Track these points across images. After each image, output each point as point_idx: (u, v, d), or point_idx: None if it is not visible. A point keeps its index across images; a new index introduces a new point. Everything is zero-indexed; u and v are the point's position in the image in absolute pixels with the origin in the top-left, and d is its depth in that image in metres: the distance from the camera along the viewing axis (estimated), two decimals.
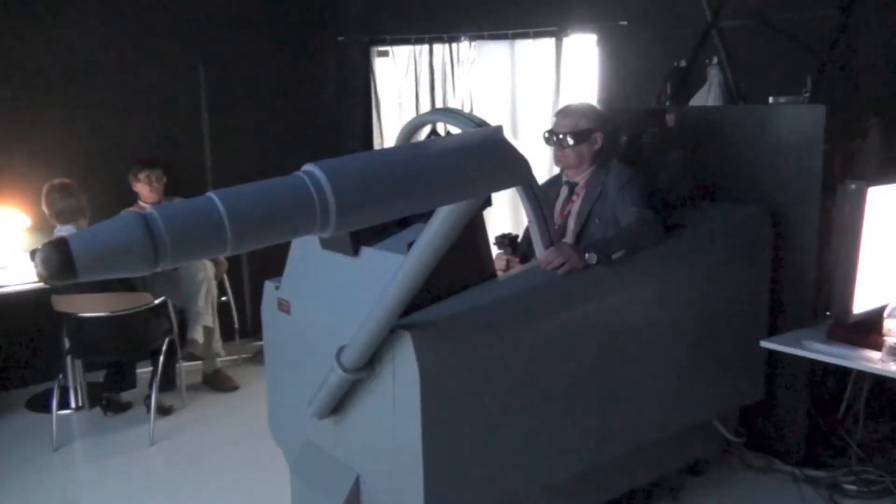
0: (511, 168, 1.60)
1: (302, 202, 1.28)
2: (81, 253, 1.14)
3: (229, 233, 1.21)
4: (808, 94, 2.91)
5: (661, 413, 2.61)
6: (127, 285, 3.50)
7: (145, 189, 4.16)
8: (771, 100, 3.08)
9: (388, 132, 4.95)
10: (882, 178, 2.36)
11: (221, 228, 1.21)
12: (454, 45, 4.73)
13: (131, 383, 3.95)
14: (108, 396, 3.85)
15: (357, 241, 2.22)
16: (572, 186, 2.81)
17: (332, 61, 4.98)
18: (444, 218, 1.76)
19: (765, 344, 2.47)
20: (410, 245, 1.92)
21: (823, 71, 2.97)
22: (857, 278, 2.29)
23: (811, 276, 2.87)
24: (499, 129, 1.61)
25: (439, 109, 3.93)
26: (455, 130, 2.31)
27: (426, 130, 3.59)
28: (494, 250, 2.66)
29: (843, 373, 2.78)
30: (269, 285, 2.62)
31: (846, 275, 2.29)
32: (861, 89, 3.14)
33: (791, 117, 2.93)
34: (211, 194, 1.26)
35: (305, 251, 2.43)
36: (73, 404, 3.92)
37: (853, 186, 2.28)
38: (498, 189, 1.74)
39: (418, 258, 1.87)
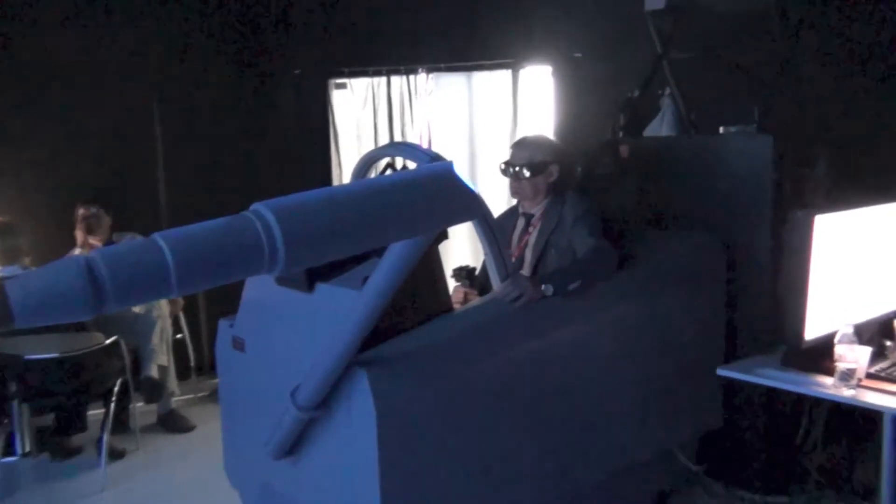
0: (462, 204, 1.62)
1: (249, 243, 1.28)
2: (19, 299, 1.12)
3: (174, 276, 1.20)
4: (755, 125, 3.00)
5: (621, 444, 2.63)
6: (77, 324, 3.44)
7: (81, 231, 4.02)
8: (721, 130, 3.17)
9: (346, 164, 4.96)
10: (829, 205, 2.43)
11: (166, 272, 1.20)
12: (412, 77, 4.78)
13: (82, 426, 3.85)
14: (58, 441, 3.75)
15: (312, 276, 2.21)
16: (529, 218, 2.84)
17: (290, 94, 4.99)
18: (397, 253, 1.77)
19: (721, 372, 2.51)
20: (365, 280, 1.92)
21: (770, 101, 3.06)
22: (807, 305, 2.35)
23: (765, 302, 2.93)
24: (449, 164, 1.64)
25: (394, 144, 3.96)
26: (410, 164, 2.33)
27: (385, 162, 3.61)
28: (452, 283, 2.68)
29: (800, 398, 2.83)
30: (223, 323, 2.59)
31: (797, 302, 2.35)
32: (808, 119, 3.24)
33: (740, 147, 3.01)
34: (156, 236, 1.25)
35: (260, 288, 2.42)
36: (19, 450, 3.79)
37: (800, 215, 2.34)
38: (449, 225, 1.76)
39: (373, 293, 1.87)
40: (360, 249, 1.56)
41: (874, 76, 3.16)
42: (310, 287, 2.21)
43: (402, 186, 1.58)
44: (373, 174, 2.80)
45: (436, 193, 1.59)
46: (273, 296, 2.35)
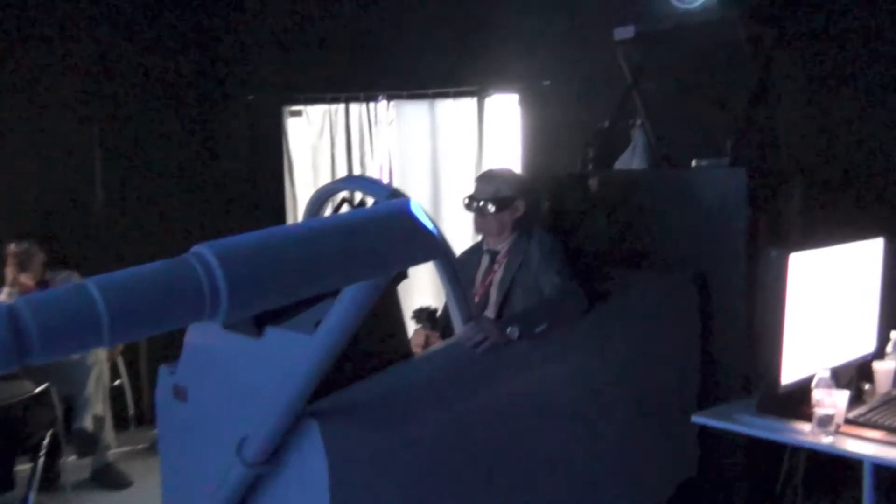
0: (420, 244, 1.63)
1: (190, 288, 1.27)
2: None
3: (106, 326, 1.18)
4: (728, 158, 3.08)
5: (591, 495, 2.63)
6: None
7: (12, 268, 3.94)
8: (694, 163, 3.24)
9: (301, 197, 4.96)
10: (805, 242, 2.49)
11: (97, 321, 1.19)
12: (372, 105, 4.82)
13: (8, 484, 3.73)
14: None
15: (260, 320, 2.20)
16: (493, 255, 2.87)
17: (242, 122, 4.99)
18: (352, 295, 1.77)
19: (696, 419, 2.53)
20: (318, 324, 1.91)
21: (743, 133, 3.15)
22: (783, 347, 2.39)
23: (741, 344, 2.97)
24: (406, 202, 1.65)
25: (350, 178, 3.97)
26: (369, 199, 2.34)
27: (341, 197, 3.62)
28: (412, 325, 2.68)
29: (779, 444, 2.86)
30: (163, 370, 2.55)
31: (773, 345, 2.39)
32: (782, 152, 3.34)
33: (713, 181, 3.08)
34: (87, 282, 1.24)
35: (204, 332, 2.39)
36: None
37: (775, 253, 2.39)
38: (408, 267, 1.77)
39: (326, 338, 1.86)
40: (310, 294, 1.56)
41: (849, 109, 3.27)
42: (258, 331, 2.19)
43: (356, 226, 1.59)
44: (328, 209, 2.80)
45: (393, 233, 1.60)
46: (218, 341, 2.33)
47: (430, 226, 1.65)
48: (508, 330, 2.42)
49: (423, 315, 2.76)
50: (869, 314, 2.64)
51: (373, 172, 4.85)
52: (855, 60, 3.25)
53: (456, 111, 4.67)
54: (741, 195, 2.96)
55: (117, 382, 4.33)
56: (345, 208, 2.55)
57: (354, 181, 2.78)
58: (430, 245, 1.65)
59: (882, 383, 2.53)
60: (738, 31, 3.19)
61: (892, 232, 2.65)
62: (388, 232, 1.58)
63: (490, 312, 2.76)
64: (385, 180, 4.84)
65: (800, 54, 3.33)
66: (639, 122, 3.60)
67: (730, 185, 3.00)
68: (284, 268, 1.39)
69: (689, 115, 3.59)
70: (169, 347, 2.61)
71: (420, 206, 1.84)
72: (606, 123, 3.68)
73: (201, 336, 2.42)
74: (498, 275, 2.82)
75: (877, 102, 3.21)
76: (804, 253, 2.43)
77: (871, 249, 2.62)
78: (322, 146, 4.96)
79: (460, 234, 4.35)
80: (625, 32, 3.38)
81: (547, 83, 4.31)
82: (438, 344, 2.59)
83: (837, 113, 3.27)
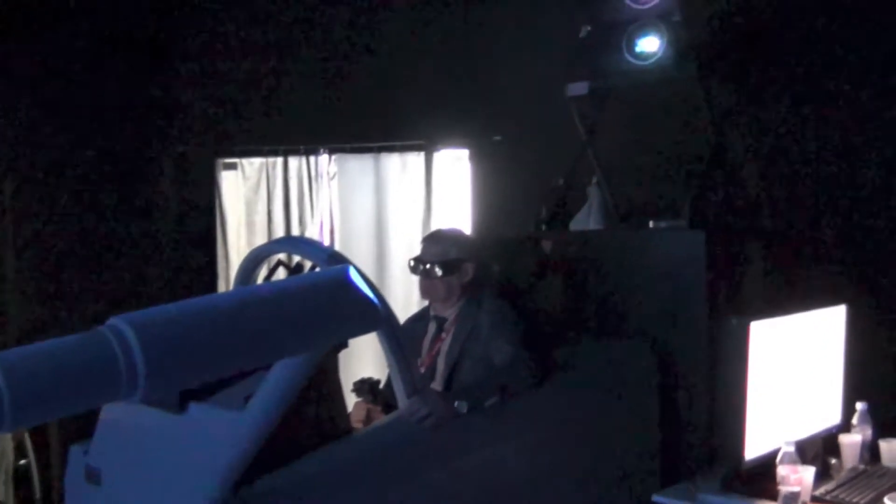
0: (359, 314, 1.64)
1: (104, 366, 1.25)
2: None
3: (8, 409, 1.16)
4: (686, 220, 3.16)
5: None
6: None
7: None
8: (651, 224, 3.33)
9: (234, 258, 4.91)
10: (767, 309, 2.56)
11: None
12: (312, 159, 4.84)
13: None
14: None
15: (184, 394, 2.16)
16: (441, 322, 2.88)
17: (170, 175, 4.96)
18: (285, 368, 1.76)
19: (657, 498, 2.54)
20: (248, 399, 1.89)
21: (701, 194, 3.24)
22: (746, 421, 2.43)
23: (703, 417, 3.02)
24: (345, 270, 1.66)
25: (286, 239, 3.96)
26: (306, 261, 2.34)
27: (276, 259, 3.60)
28: (352, 399, 2.66)
29: None
30: (75, 450, 2.47)
31: (735, 418, 2.43)
32: (741, 212, 3.44)
33: (671, 243, 3.16)
34: None
35: (120, 408, 2.33)
36: None
37: (735, 321, 2.45)
38: (346, 338, 1.77)
39: (257, 415, 1.84)
40: (240, 368, 1.55)
41: (811, 169, 3.40)
42: (181, 407, 2.15)
43: (290, 295, 1.59)
44: (263, 272, 2.79)
45: (330, 303, 1.61)
46: (136, 417, 2.27)
47: (370, 294, 1.65)
48: (456, 404, 2.42)
49: (365, 387, 2.74)
50: (833, 385, 2.71)
51: (313, 231, 4.84)
52: (816, 119, 3.39)
53: (402, 166, 4.71)
54: (699, 259, 3.03)
55: (23, 462, 4.17)
56: (280, 273, 2.54)
57: (290, 243, 2.78)
58: (370, 315, 1.66)
59: (849, 457, 2.58)
60: (694, 88, 3.32)
61: (855, 299, 2.74)
62: (324, 302, 1.59)
63: (437, 384, 2.76)
64: (326, 239, 4.84)
65: (758, 112, 3.46)
66: (595, 180, 3.69)
67: (688, 249, 3.08)
68: (210, 342, 1.38)
69: (646, 173, 3.68)
70: (82, 424, 2.53)
71: (359, 273, 1.86)
72: (561, 181, 3.76)
73: (118, 412, 2.36)
74: (445, 344, 2.82)
75: (840, 163, 3.34)
76: (766, 321, 2.49)
77: (834, 317, 2.70)
78: (258, 202, 4.94)
79: (408, 298, 4.36)
80: (578, 89, 3.49)
81: (498, 139, 4.39)
82: (381, 419, 2.57)
83: (799, 174, 3.40)
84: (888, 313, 3.17)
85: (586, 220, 3.67)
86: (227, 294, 1.80)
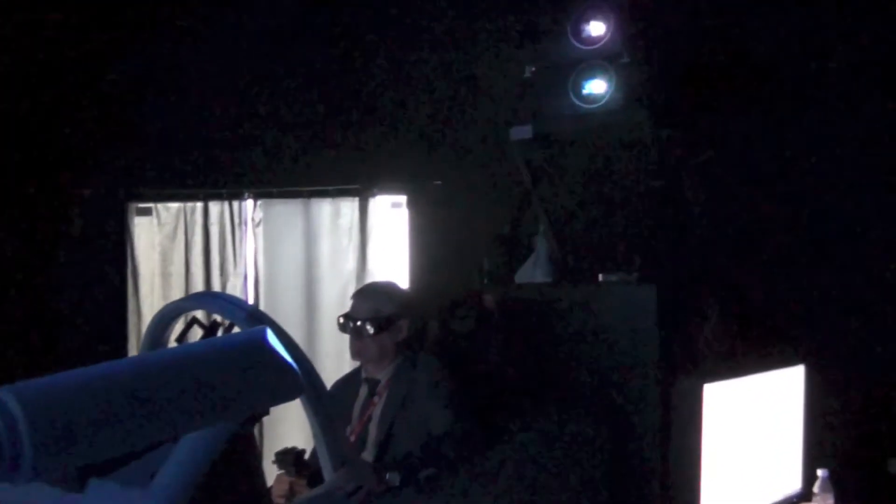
0: (278, 381, 1.61)
1: None
2: None
3: None
4: (636, 273, 3.22)
5: None
6: None
7: None
8: (601, 277, 3.37)
9: (147, 313, 4.83)
10: (722, 369, 2.61)
11: None
12: (236, 204, 4.81)
13: None
14: None
15: (83, 470, 2.09)
16: (373, 385, 2.86)
17: (76, 221, 4.87)
18: (196, 441, 1.72)
19: None
20: (154, 476, 1.84)
21: (652, 246, 3.31)
22: (701, 490, 2.45)
23: (655, 484, 3.03)
24: (262, 331, 1.64)
25: (200, 294, 3.90)
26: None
27: (191, 317, 3.54)
28: (274, 471, 2.61)
29: None
30: None
31: (689, 487, 2.45)
32: (695, 264, 3.51)
33: (622, 298, 3.21)
34: None
35: (9, 486, 2.25)
36: None
37: (688, 383, 2.49)
38: (263, 407, 1.74)
39: (163, 493, 1.79)
40: (142, 443, 1.51)
41: (768, 221, 3.50)
42: (79, 485, 2.08)
43: (199, 361, 1.56)
44: (177, 329, 2.74)
45: (244, 369, 1.58)
46: (29, 495, 2.19)
47: (289, 359, 1.63)
48: (388, 476, 2.40)
49: (288, 458, 2.70)
50: (793, 450, 2.76)
51: (235, 283, 4.80)
52: (773, 167, 3.50)
53: (335, 213, 4.71)
54: (651, 315, 3.08)
55: None
56: (196, 334, 2.49)
57: (206, 299, 2.72)
58: (289, 382, 1.63)
59: None
60: (644, 133, 3.40)
61: (814, 359, 2.81)
62: (238, 368, 1.56)
63: (368, 454, 2.73)
64: (250, 292, 4.79)
65: (713, 159, 3.56)
66: (541, 229, 3.73)
67: (639, 304, 3.13)
68: (109, 414, 1.34)
69: (595, 222, 3.74)
70: None
71: (282, 333, 1.83)
72: (505, 230, 3.80)
73: (7, 490, 2.28)
74: (378, 408, 2.80)
75: (799, 214, 3.44)
76: (720, 383, 2.53)
77: (793, 378, 2.76)
78: (174, 251, 4.87)
79: (340, 356, 4.32)
80: (522, 132, 3.54)
81: (438, 184, 4.42)
82: (305, 493, 2.53)
83: (755, 225, 3.49)
84: (849, 373, 3.25)
85: (532, 271, 3.70)
86: (130, 360, 1.76)
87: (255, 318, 2.18)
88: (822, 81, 3.48)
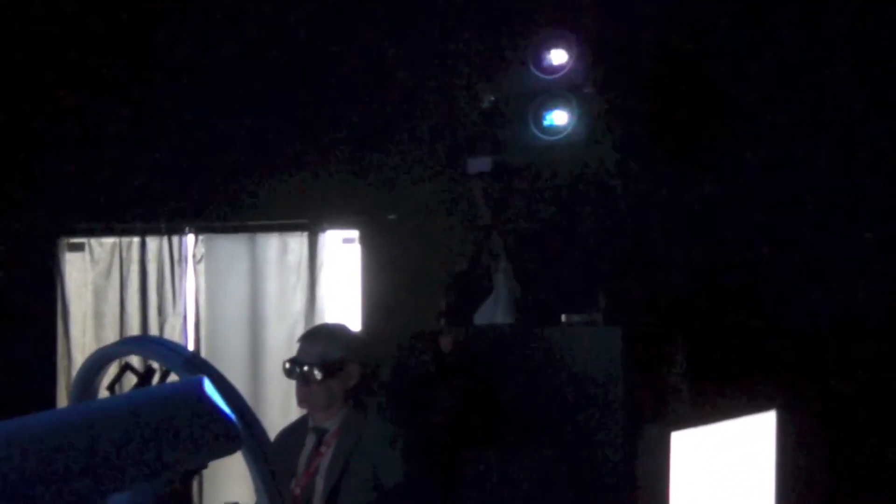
0: (215, 435, 1.59)
1: None
2: None
3: None
4: (601, 314, 3.24)
5: None
6: None
7: None
8: (564, 318, 3.39)
9: (79, 357, 4.75)
10: (690, 415, 2.62)
11: None
12: (175, 239, 4.76)
13: None
14: None
15: None
16: (321, 434, 2.83)
17: (2, 257, 4.79)
18: (125, 500, 1.69)
19: None
20: None
21: (618, 285, 3.33)
22: None
23: None
24: (199, 382, 1.62)
25: (134, 339, 3.85)
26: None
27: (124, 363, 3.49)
28: None
29: None
30: None
31: None
32: (661, 306, 3.55)
33: (586, 340, 3.22)
34: None
35: None
36: None
37: (655, 431, 2.50)
38: (199, 463, 1.72)
39: None
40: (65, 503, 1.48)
41: (735, 256, 3.55)
42: None
43: (130, 413, 1.54)
44: (110, 374, 2.69)
45: (178, 423, 1.56)
46: None
47: (227, 410, 1.62)
48: None
49: None
50: (765, 500, 2.77)
51: (174, 324, 4.75)
52: (742, 203, 3.56)
53: (282, 249, 4.69)
54: (616, 358, 3.10)
55: None
56: (130, 381, 2.45)
57: (140, 343, 2.68)
58: (227, 436, 1.61)
59: None
60: (609, 166, 3.45)
61: (787, 404, 2.83)
62: (172, 422, 1.53)
63: None
64: (190, 334, 4.74)
65: (680, 194, 3.61)
66: (501, 266, 3.74)
67: (603, 347, 3.14)
68: (27, 475, 1.32)
69: (557, 260, 3.77)
70: None
71: (222, 380, 1.81)
72: (464, 268, 3.81)
73: None
74: (325, 459, 2.78)
75: (769, 253, 3.50)
76: (689, 430, 2.55)
77: (764, 424, 2.79)
78: (109, 290, 4.81)
79: (287, 402, 4.28)
80: (481, 165, 3.57)
81: (393, 218, 4.43)
82: None
83: (724, 263, 3.54)
84: (823, 420, 3.29)
85: (492, 311, 3.71)
86: (52, 413, 1.72)
87: (194, 365, 2.15)
88: (795, 113, 3.55)
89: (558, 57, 3.39)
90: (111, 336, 4.71)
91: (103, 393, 2.29)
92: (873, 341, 3.38)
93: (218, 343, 4.67)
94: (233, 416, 1.65)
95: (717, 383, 3.30)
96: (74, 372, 4.74)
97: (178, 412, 1.58)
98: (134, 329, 4.73)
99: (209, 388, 1.63)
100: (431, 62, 4.24)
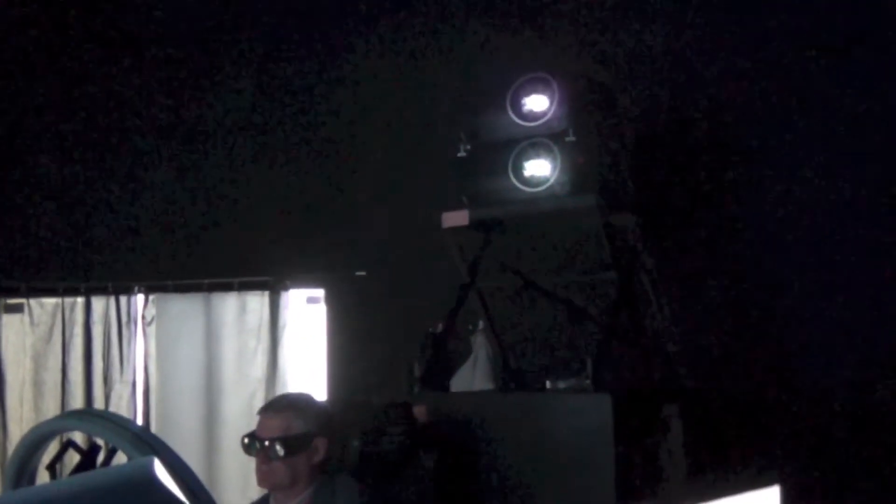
0: None
1: None
2: None
3: None
4: (589, 380, 3.23)
5: None
6: None
7: None
8: (548, 384, 3.37)
9: (16, 431, 4.70)
10: (689, 490, 2.61)
11: None
12: (124, 300, 4.74)
13: None
14: None
15: None
16: None
17: None
18: None
19: None
20: None
21: (607, 347, 3.33)
22: None
23: None
24: (149, 463, 1.59)
25: (77, 412, 3.80)
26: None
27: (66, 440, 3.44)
28: None
29: None
30: None
31: None
32: (654, 370, 3.55)
33: (573, 408, 3.20)
34: None
35: None
36: None
37: None
38: None
39: None
40: None
41: (730, 315, 3.56)
42: None
43: (73, 497, 1.51)
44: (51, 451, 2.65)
45: None
46: None
47: (179, 496, 1.59)
48: None
49: None
50: None
51: (122, 392, 4.72)
52: (737, 258, 3.59)
53: (241, 309, 4.68)
54: (606, 427, 3.08)
55: None
56: (73, 459, 2.41)
57: (84, 418, 2.64)
58: None
59: None
60: (593, 220, 3.45)
61: (791, 479, 2.83)
62: None
63: None
64: (139, 403, 4.70)
65: (670, 250, 3.63)
66: (480, 327, 3.74)
67: (592, 415, 3.12)
68: None
69: (541, 320, 3.77)
70: None
71: (175, 458, 1.79)
72: (439, 329, 3.79)
73: None
74: None
75: (766, 311, 3.52)
76: None
77: (767, 501, 2.79)
78: (49, 355, 4.78)
79: (246, 479, 4.24)
80: (457, 219, 3.57)
81: (362, 275, 4.42)
82: None
83: (718, 324, 3.55)
84: (829, 495, 3.28)
85: (470, 377, 3.70)
86: None
87: (143, 441, 2.12)
88: (785, 164, 3.60)
89: (538, 102, 3.40)
90: (52, 406, 4.66)
91: (42, 473, 2.25)
92: (887, 410, 3.39)
93: (170, 414, 4.63)
94: (187, 501, 1.62)
95: (715, 454, 3.29)
96: (11, 448, 4.68)
97: (126, 499, 1.55)
98: (77, 399, 4.70)
99: (160, 469, 1.61)
100: (403, 107, 4.28)
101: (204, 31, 4.63)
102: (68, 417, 3.32)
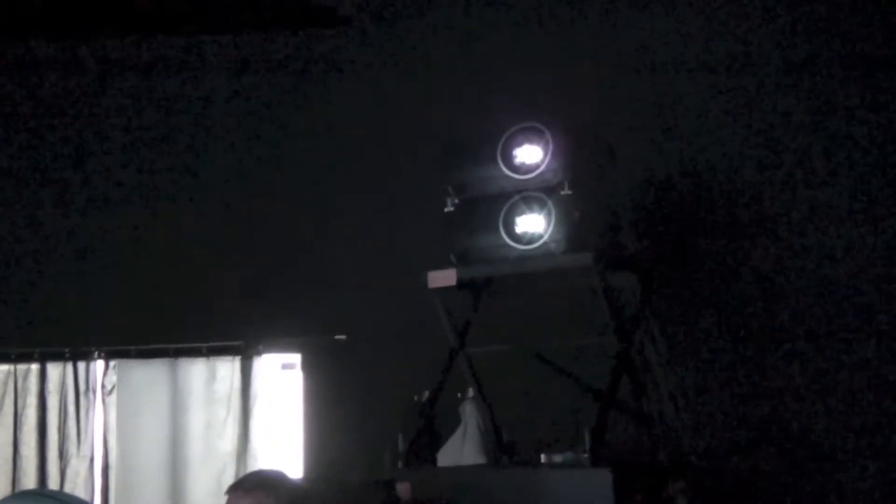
0: None
1: None
2: None
3: None
4: (587, 454, 3.22)
5: None
6: None
7: None
8: (543, 458, 3.36)
9: None
10: None
11: None
12: (82, 366, 4.72)
13: None
14: None
15: None
16: None
17: None
18: None
19: None
20: None
21: (605, 419, 3.32)
22: None
23: None
24: None
25: (27, 494, 3.78)
26: None
27: None
28: None
29: None
30: None
31: None
32: (657, 442, 3.54)
33: (570, 484, 3.19)
34: None
35: None
36: None
37: None
38: None
39: None
40: None
41: (736, 384, 3.57)
42: None
43: None
44: None
45: None
46: None
47: None
48: None
49: None
50: None
51: (79, 467, 4.68)
52: (741, 323, 3.60)
53: (210, 376, 4.67)
54: None
55: None
56: None
57: (35, 500, 2.64)
58: None
59: None
60: (590, 280, 3.45)
61: None
62: None
63: None
64: (97, 480, 4.66)
65: (672, 313, 3.64)
66: (469, 395, 3.72)
67: (591, 492, 3.11)
68: None
69: (534, 389, 3.77)
70: None
71: None
72: (425, 397, 3.78)
73: None
74: None
75: (771, 377, 3.53)
76: None
77: None
78: (0, 427, 4.74)
79: None
80: (444, 278, 3.56)
81: (341, 338, 4.41)
82: None
83: (723, 393, 3.55)
84: None
85: (459, 450, 3.68)
86: None
87: None
88: (790, 216, 3.64)
89: (531, 154, 3.40)
90: (2, 485, 4.62)
91: None
92: None
93: (132, 492, 4.60)
94: None
95: None
96: None
97: None
98: (30, 476, 4.66)
99: None
100: (386, 158, 4.30)
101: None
102: (17, 500, 3.31)
